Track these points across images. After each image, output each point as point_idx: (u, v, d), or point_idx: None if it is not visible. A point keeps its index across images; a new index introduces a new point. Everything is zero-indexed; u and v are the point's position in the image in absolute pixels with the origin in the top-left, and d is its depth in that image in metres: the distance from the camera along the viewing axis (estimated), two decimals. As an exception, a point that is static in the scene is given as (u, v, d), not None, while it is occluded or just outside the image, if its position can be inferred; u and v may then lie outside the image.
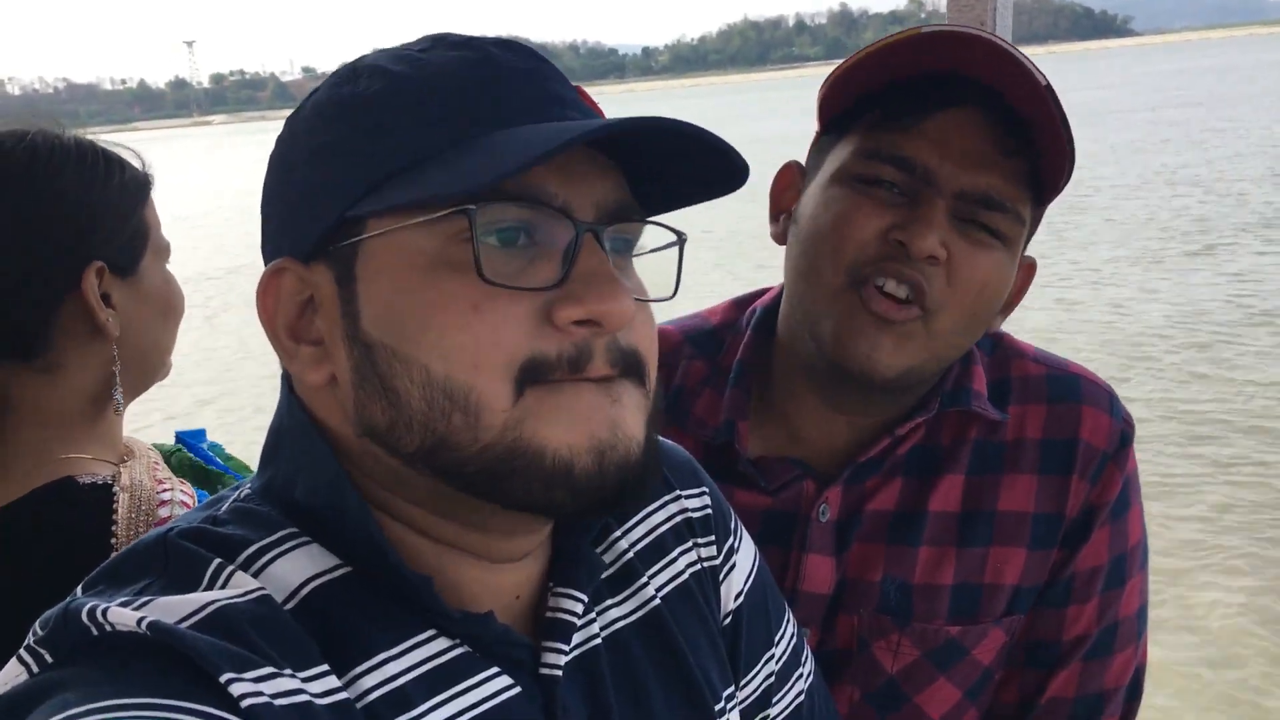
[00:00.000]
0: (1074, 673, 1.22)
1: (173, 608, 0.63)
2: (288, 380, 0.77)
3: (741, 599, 0.95)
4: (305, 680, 0.64)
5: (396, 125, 0.69)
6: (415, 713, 0.69)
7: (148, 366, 1.29)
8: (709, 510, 0.95)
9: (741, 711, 0.92)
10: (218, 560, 0.68)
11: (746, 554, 0.98)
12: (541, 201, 0.68)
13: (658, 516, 0.91)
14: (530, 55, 0.74)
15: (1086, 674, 1.22)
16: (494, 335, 0.66)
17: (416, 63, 0.72)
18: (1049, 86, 1.06)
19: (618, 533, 0.88)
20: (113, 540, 1.12)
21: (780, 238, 1.25)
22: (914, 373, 1.14)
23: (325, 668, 0.66)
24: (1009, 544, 1.20)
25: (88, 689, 0.58)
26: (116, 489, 1.16)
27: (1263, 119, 25.55)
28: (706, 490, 0.96)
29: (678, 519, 0.92)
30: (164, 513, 1.17)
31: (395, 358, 0.68)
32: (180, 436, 1.60)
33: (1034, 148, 1.08)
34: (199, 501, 1.25)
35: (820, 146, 1.22)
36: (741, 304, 1.37)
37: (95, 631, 0.61)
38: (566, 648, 0.77)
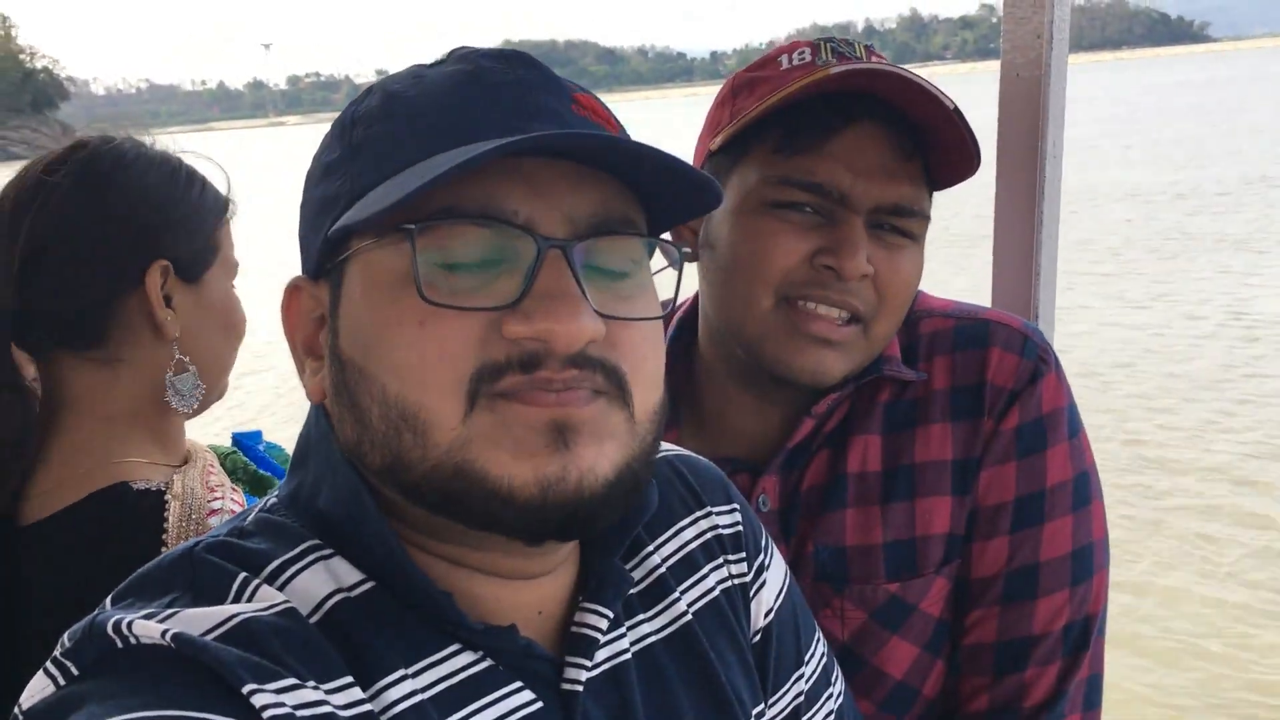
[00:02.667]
0: (991, 616, 1.20)
1: (197, 620, 0.64)
2: None
3: (771, 616, 0.94)
4: (329, 692, 0.64)
5: (374, 144, 0.71)
6: None
7: (206, 378, 1.30)
8: (740, 527, 0.94)
9: None
10: (243, 574, 0.69)
11: (777, 572, 0.97)
12: (499, 219, 0.67)
13: (688, 533, 0.91)
14: (521, 65, 0.73)
15: (1006, 618, 1.20)
16: (439, 352, 0.66)
17: (417, 80, 0.73)
18: (957, 109, 1.09)
19: (650, 547, 0.88)
20: (162, 548, 1.13)
21: (688, 256, 1.26)
22: (853, 372, 1.19)
23: (349, 679, 0.66)
24: (932, 494, 1.21)
25: (113, 701, 0.58)
26: (168, 496, 1.18)
27: (1143, 141, 25.46)
28: (738, 507, 0.96)
29: (708, 535, 0.92)
30: (213, 521, 1.18)
31: (361, 375, 0.69)
32: (236, 439, 1.62)
33: (927, 146, 1.13)
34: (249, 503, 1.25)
35: (717, 165, 1.22)
36: (666, 322, 1.39)
37: (120, 644, 0.62)
38: (589, 663, 0.77)
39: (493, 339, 0.66)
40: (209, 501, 1.20)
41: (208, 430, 1.42)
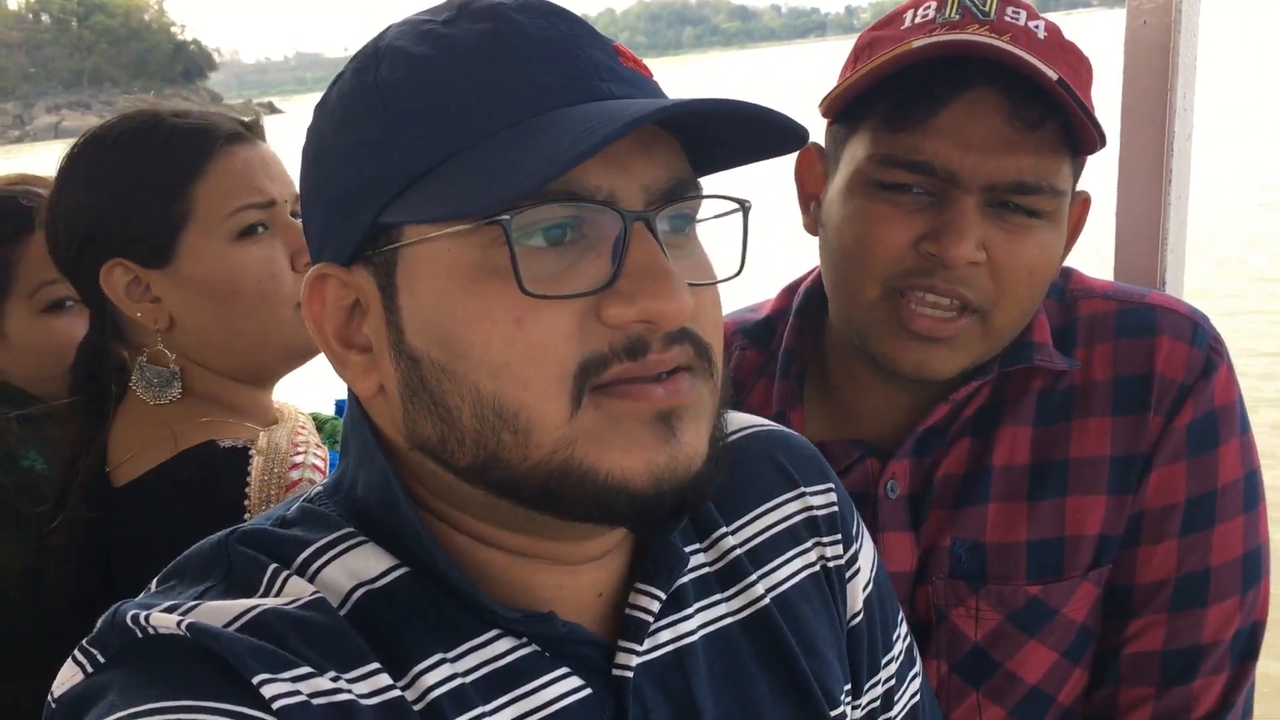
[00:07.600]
0: (1158, 625, 1.14)
1: (218, 613, 0.64)
2: None
3: (868, 600, 0.91)
4: (350, 681, 0.64)
5: (420, 118, 0.64)
6: (478, 712, 0.67)
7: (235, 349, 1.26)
8: (835, 508, 0.90)
9: (864, 715, 0.89)
10: (274, 566, 0.68)
11: (868, 553, 0.93)
12: (583, 197, 0.63)
13: (776, 514, 0.87)
14: (563, 19, 0.67)
15: (1174, 626, 1.14)
16: (541, 348, 0.62)
17: (439, 41, 0.66)
18: (1062, 80, 0.97)
19: (726, 528, 0.84)
20: (245, 501, 1.15)
21: (812, 228, 1.20)
22: (974, 364, 1.10)
23: (375, 667, 0.65)
24: (1086, 492, 1.13)
25: (132, 691, 0.60)
26: (253, 452, 1.19)
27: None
28: (833, 486, 0.91)
29: (798, 518, 0.88)
30: (294, 475, 1.19)
31: (444, 373, 0.65)
32: (340, 406, 1.64)
33: (1060, 106, 1.00)
34: (332, 465, 1.26)
35: (834, 136, 1.15)
36: (792, 289, 1.32)
37: (140, 635, 0.63)
38: (640, 647, 0.74)
39: (590, 327, 0.63)
40: (291, 456, 1.22)
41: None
